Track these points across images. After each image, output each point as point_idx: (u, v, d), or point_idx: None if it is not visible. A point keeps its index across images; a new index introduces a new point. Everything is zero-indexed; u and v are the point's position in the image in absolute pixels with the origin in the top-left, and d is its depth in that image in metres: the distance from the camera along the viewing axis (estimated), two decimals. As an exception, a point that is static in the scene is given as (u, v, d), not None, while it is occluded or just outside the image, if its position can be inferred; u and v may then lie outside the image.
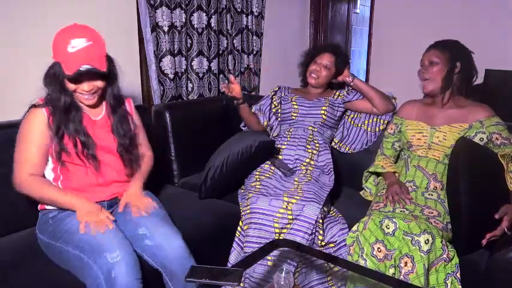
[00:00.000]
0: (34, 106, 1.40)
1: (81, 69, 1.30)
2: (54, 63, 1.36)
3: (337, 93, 2.16)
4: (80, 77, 1.34)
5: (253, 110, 2.20)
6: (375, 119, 2.11)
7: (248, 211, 1.72)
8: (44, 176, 1.43)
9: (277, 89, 2.26)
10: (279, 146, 2.04)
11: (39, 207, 1.47)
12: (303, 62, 2.23)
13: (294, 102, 2.12)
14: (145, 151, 1.67)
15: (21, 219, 1.57)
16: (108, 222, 1.34)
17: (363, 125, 2.15)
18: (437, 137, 1.73)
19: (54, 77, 1.36)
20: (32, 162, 1.38)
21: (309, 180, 1.84)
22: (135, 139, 1.58)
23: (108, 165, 1.48)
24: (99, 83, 1.40)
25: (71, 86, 1.37)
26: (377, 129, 2.11)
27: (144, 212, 1.46)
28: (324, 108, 2.07)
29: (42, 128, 1.38)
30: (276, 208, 1.69)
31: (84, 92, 1.38)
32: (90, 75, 1.36)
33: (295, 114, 2.10)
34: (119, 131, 1.51)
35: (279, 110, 2.19)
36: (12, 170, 1.39)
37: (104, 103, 1.52)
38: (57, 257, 1.35)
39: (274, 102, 2.22)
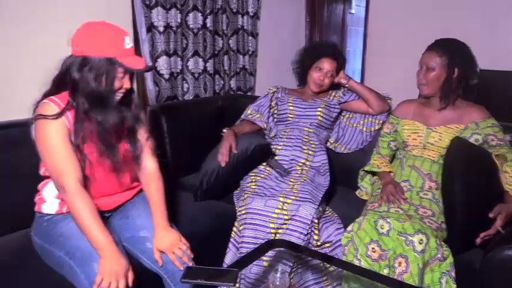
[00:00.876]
0: (44, 117, 1.25)
1: (148, 65, 1.29)
2: (101, 60, 1.24)
3: (333, 94, 2.16)
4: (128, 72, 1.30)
5: (250, 111, 2.19)
6: (370, 119, 2.12)
7: (244, 211, 1.72)
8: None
9: (275, 89, 2.25)
10: (275, 146, 2.04)
11: (35, 208, 1.44)
12: (302, 62, 2.19)
13: (290, 104, 2.13)
14: (150, 163, 1.51)
15: (18, 220, 1.56)
16: None
17: (358, 125, 2.16)
18: (433, 138, 1.73)
19: (103, 73, 1.25)
20: (74, 166, 1.26)
21: (304, 180, 1.84)
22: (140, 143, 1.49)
23: (120, 175, 1.42)
24: (130, 83, 1.35)
25: (117, 84, 1.29)
26: (372, 129, 2.12)
27: (188, 261, 1.35)
28: (319, 109, 2.08)
29: (66, 137, 1.27)
30: (271, 208, 1.69)
31: (125, 89, 1.33)
32: (132, 74, 1.33)
33: (291, 116, 2.10)
34: (136, 140, 1.45)
35: (275, 111, 2.19)
36: (57, 181, 1.27)
37: None
38: (50, 260, 1.33)
39: (272, 103, 2.21)
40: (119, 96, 1.34)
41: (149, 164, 1.51)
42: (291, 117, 2.11)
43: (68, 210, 1.29)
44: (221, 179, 1.90)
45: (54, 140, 1.25)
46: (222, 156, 1.85)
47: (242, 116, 2.22)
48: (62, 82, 1.31)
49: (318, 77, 2.09)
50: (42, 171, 1.40)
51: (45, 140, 1.26)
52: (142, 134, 1.48)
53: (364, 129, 2.14)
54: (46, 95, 1.32)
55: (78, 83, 1.26)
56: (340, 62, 2.11)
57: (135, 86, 2.36)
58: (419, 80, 1.76)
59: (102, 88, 1.27)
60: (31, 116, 1.31)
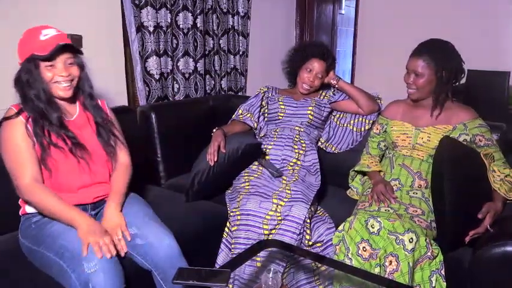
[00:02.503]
0: (7, 119, 1.35)
1: (58, 45, 1.31)
2: (24, 63, 1.35)
3: (324, 94, 2.17)
4: (55, 59, 1.34)
5: (241, 111, 2.19)
6: (360, 119, 2.13)
7: (238, 213, 1.72)
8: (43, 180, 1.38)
9: (266, 89, 2.25)
10: (265, 146, 2.04)
11: (20, 212, 1.44)
12: (291, 64, 2.19)
13: (281, 103, 2.13)
14: (122, 157, 1.57)
15: (2, 223, 1.54)
16: (112, 249, 1.26)
17: (348, 125, 2.17)
18: (422, 138, 1.75)
19: (28, 75, 1.34)
20: (29, 166, 1.33)
21: (296, 180, 1.85)
22: (112, 136, 1.56)
23: (91, 164, 1.46)
24: (75, 71, 1.40)
25: (47, 76, 1.35)
26: (362, 129, 2.13)
27: (123, 250, 1.35)
28: (310, 108, 2.09)
29: (25, 136, 1.34)
30: (265, 210, 1.70)
31: (62, 77, 1.37)
32: (65, 60, 1.36)
33: (282, 115, 2.11)
34: (99, 129, 1.50)
35: (266, 110, 2.19)
36: (12, 181, 1.34)
37: (77, 102, 1.51)
38: (39, 263, 1.33)
39: (263, 103, 2.22)
40: (61, 86, 1.38)
41: (122, 158, 1.58)
42: (281, 116, 2.11)
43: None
44: (212, 179, 1.89)
45: (12, 141, 1.33)
46: (210, 155, 1.85)
47: (233, 116, 2.22)
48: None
49: (308, 78, 2.09)
50: None
51: (4, 142, 1.35)
52: (115, 129, 1.58)
53: (355, 129, 2.15)
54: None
55: (23, 89, 1.36)
56: (329, 62, 2.12)
57: (123, 86, 2.36)
58: (408, 86, 1.76)
59: (38, 86, 1.35)
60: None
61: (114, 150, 1.54)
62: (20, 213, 1.44)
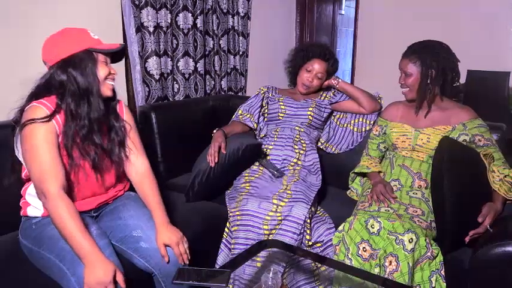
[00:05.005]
0: (34, 120, 1.23)
1: (122, 45, 1.33)
2: (76, 57, 1.26)
3: (324, 95, 2.18)
4: (107, 60, 1.35)
5: (241, 111, 2.19)
6: (360, 119, 2.13)
7: (238, 213, 1.72)
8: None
9: (266, 89, 2.26)
10: (266, 146, 2.05)
11: (21, 212, 1.42)
12: (293, 63, 2.21)
13: (281, 103, 2.13)
14: (140, 163, 1.51)
15: (2, 223, 1.54)
16: None
17: (348, 125, 2.17)
18: (421, 139, 1.75)
19: (79, 70, 1.26)
20: (58, 172, 1.24)
21: (297, 180, 1.85)
22: (126, 141, 1.49)
23: (104, 173, 1.42)
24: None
25: (102, 72, 1.31)
26: (363, 130, 2.13)
27: (186, 259, 1.37)
28: (310, 109, 2.09)
29: (55, 142, 1.26)
30: (265, 211, 1.70)
31: (113, 74, 1.36)
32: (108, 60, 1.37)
33: (282, 115, 2.11)
34: (113, 136, 1.43)
35: (266, 111, 2.20)
36: (39, 187, 1.23)
37: None
38: (40, 264, 1.32)
39: (263, 103, 2.22)
40: (110, 83, 1.36)
41: (140, 164, 1.51)
42: (281, 116, 2.11)
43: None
44: (213, 179, 1.89)
45: (41, 145, 1.23)
46: (211, 156, 1.85)
47: (233, 117, 2.22)
48: (44, 90, 1.30)
49: (307, 78, 2.10)
50: (24, 174, 1.38)
51: (32, 145, 1.23)
52: (132, 134, 1.50)
53: (355, 129, 2.15)
54: (30, 99, 1.31)
55: (66, 84, 1.27)
56: (331, 63, 2.12)
57: (123, 86, 2.36)
58: (401, 86, 1.81)
59: (91, 80, 1.28)
60: (14, 119, 1.32)
61: (126, 157, 1.47)
62: (21, 214, 1.43)
